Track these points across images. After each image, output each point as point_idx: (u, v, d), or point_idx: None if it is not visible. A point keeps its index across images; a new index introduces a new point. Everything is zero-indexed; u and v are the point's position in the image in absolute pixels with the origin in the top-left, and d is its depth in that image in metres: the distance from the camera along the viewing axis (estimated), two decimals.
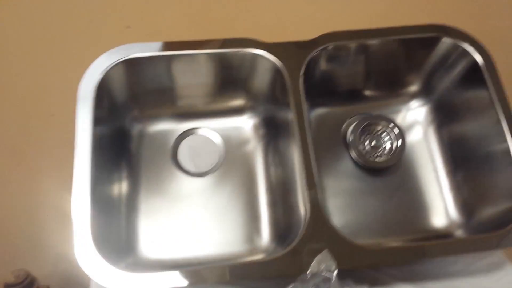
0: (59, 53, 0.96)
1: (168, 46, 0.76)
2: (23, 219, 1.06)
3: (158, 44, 0.75)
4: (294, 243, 0.66)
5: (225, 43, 0.77)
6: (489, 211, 0.79)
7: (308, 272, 0.64)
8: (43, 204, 1.00)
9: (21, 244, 1.07)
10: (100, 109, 0.71)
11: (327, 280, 0.64)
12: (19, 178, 1.04)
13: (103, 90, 0.72)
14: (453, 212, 0.85)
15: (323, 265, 0.64)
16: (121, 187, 0.79)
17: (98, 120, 0.70)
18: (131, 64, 0.75)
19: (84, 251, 0.62)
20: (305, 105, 0.75)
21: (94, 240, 0.63)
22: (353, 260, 0.67)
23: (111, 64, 0.72)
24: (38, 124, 1.01)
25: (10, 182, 1.03)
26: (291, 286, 0.65)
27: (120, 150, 0.81)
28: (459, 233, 0.82)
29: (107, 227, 0.71)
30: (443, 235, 0.83)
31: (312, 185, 0.70)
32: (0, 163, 1.02)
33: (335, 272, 0.64)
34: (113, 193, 0.76)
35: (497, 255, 0.80)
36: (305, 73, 0.78)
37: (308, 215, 0.68)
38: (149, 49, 0.75)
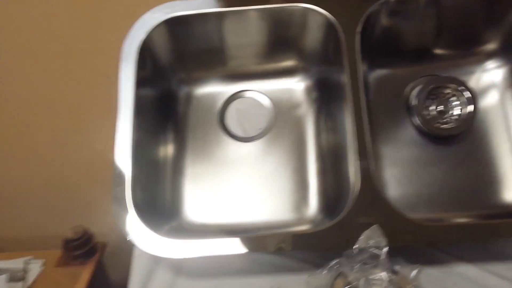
0: (113, 12, 0.95)
1: (214, 2, 0.71)
2: (82, 178, 1.10)
3: (204, 1, 0.71)
4: (341, 216, 0.62)
5: None
6: None
7: (354, 247, 0.60)
8: (105, 165, 1.04)
9: (80, 202, 1.13)
10: (144, 70, 0.70)
11: (375, 257, 0.60)
12: (79, 139, 1.08)
13: (146, 51, 0.70)
14: None
15: (372, 241, 0.60)
16: (167, 150, 0.78)
17: (141, 81, 0.69)
18: (175, 23, 0.72)
19: (124, 214, 0.62)
20: (361, 66, 0.69)
21: (134, 203, 0.63)
22: (406, 236, 0.62)
23: (154, 24, 0.70)
24: (95, 86, 1.02)
25: (70, 144, 1.08)
26: (336, 261, 0.61)
27: (167, 113, 0.79)
28: None
29: (152, 189, 0.71)
30: None
31: (364, 154, 0.65)
32: (60, 126, 1.06)
33: (385, 249, 0.59)
34: (159, 155, 0.76)
35: None
36: (363, 30, 0.71)
37: (357, 187, 0.63)
38: (193, 7, 0.71)
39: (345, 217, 0.62)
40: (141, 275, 0.68)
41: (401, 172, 0.78)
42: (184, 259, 0.62)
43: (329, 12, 0.71)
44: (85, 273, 0.99)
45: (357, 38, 0.70)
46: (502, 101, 0.80)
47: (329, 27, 0.72)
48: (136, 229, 0.62)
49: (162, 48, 0.75)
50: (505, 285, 0.65)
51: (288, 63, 0.82)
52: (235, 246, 0.62)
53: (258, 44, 0.79)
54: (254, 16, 0.74)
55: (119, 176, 0.64)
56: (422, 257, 0.67)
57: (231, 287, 0.65)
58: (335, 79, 0.73)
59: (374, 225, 0.61)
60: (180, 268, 0.68)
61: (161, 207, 0.72)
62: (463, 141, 0.79)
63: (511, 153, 0.77)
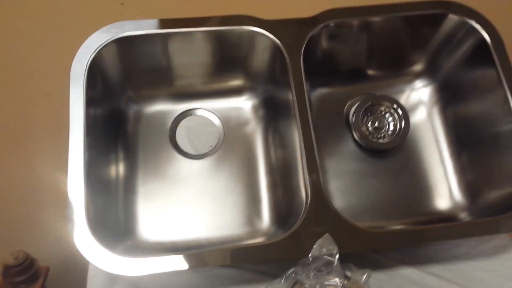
0: (54, 31, 0.94)
1: (162, 23, 0.73)
2: (23, 201, 1.05)
3: (152, 22, 0.73)
4: (295, 227, 0.65)
5: (222, 20, 0.74)
6: (494, 194, 0.78)
7: (309, 256, 0.63)
8: (44, 186, 0.99)
9: (21, 226, 1.07)
10: (94, 89, 0.69)
11: (329, 263, 0.63)
12: (17, 160, 1.03)
13: (95, 70, 0.70)
14: (458, 195, 0.83)
15: (325, 248, 0.63)
16: (118, 169, 0.77)
17: (91, 100, 0.68)
18: (124, 43, 0.72)
19: (79, 233, 0.61)
20: (305, 85, 0.73)
21: (89, 223, 0.61)
22: (355, 243, 0.65)
23: (103, 43, 0.70)
24: (34, 105, 0.99)
25: (8, 165, 1.02)
26: (292, 270, 0.64)
27: (116, 132, 0.79)
28: (464, 216, 0.81)
29: (105, 209, 0.70)
30: (447, 218, 0.81)
31: (313, 168, 0.68)
32: None
33: (337, 256, 0.63)
34: (110, 174, 0.75)
35: (502, 237, 0.78)
36: (306, 52, 0.75)
37: (309, 199, 0.66)
38: (142, 27, 0.72)
39: (299, 228, 0.65)
40: None
41: (344, 184, 0.83)
42: (141, 277, 0.61)
43: (274, 35, 0.75)
44: None
45: (301, 59, 0.74)
46: (430, 117, 0.88)
47: (275, 49, 0.76)
48: (91, 249, 0.60)
49: (111, 67, 0.75)
50: (443, 284, 0.71)
51: (236, 82, 0.85)
52: (191, 262, 0.62)
53: (206, 64, 0.81)
54: (202, 38, 0.76)
55: (72, 197, 0.62)
56: (369, 262, 0.72)
57: None
58: (281, 98, 0.77)
59: (326, 234, 0.64)
60: (137, 286, 0.67)
61: (114, 227, 0.71)
62: (398, 154, 0.86)
63: (441, 164, 0.85)
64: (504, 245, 0.77)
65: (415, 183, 0.84)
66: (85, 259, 0.61)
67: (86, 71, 0.68)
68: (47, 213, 1.02)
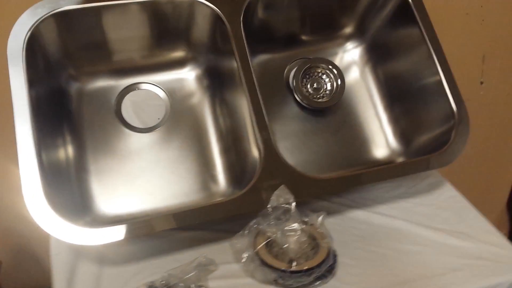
0: None
1: None
2: None
3: None
4: (252, 182, 0.68)
5: None
6: (424, 137, 0.86)
7: (268, 207, 0.67)
8: None
9: None
10: (35, 69, 0.67)
11: (287, 211, 0.67)
12: None
13: (34, 47, 0.68)
14: (393, 143, 0.91)
15: (282, 198, 0.67)
16: (67, 150, 0.75)
17: (33, 80, 0.66)
18: (61, 18, 0.70)
19: (38, 210, 0.60)
20: (248, 51, 0.75)
21: (49, 203, 0.61)
22: (308, 191, 0.71)
23: (40, 18, 0.67)
24: None
25: None
26: (254, 221, 0.67)
27: (60, 112, 0.76)
28: (400, 160, 0.88)
29: (59, 191, 0.69)
30: (386, 164, 0.88)
31: (263, 127, 0.72)
32: None
33: (294, 204, 0.67)
34: (59, 157, 0.73)
35: (435, 176, 0.87)
36: (244, 19, 0.78)
37: (262, 155, 0.70)
38: (77, 1, 0.70)
39: (255, 183, 0.68)
40: (64, 273, 0.65)
41: (291, 143, 0.88)
42: (105, 250, 0.62)
43: (213, 4, 0.76)
44: None
45: (242, 26, 0.76)
46: (363, 75, 0.95)
47: (215, 18, 0.77)
48: (51, 223, 0.60)
49: (50, 43, 0.73)
50: (389, 220, 0.77)
51: (177, 54, 0.85)
52: (155, 226, 0.64)
53: (145, 36, 0.81)
54: (140, 9, 0.76)
55: (28, 181, 0.61)
56: (322, 210, 0.77)
57: (158, 266, 0.66)
58: (225, 66, 0.79)
59: (282, 185, 0.68)
60: (103, 257, 0.68)
61: (71, 207, 0.70)
62: (338, 111, 0.92)
63: (376, 117, 0.92)
64: (437, 182, 0.86)
65: (355, 136, 0.91)
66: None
67: (25, 49, 0.66)
68: None
